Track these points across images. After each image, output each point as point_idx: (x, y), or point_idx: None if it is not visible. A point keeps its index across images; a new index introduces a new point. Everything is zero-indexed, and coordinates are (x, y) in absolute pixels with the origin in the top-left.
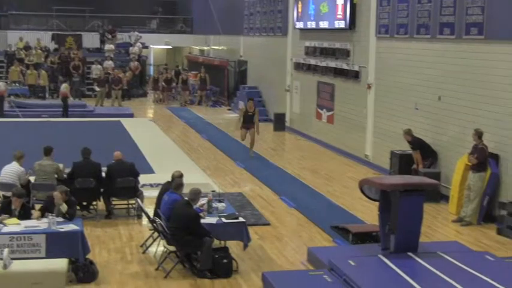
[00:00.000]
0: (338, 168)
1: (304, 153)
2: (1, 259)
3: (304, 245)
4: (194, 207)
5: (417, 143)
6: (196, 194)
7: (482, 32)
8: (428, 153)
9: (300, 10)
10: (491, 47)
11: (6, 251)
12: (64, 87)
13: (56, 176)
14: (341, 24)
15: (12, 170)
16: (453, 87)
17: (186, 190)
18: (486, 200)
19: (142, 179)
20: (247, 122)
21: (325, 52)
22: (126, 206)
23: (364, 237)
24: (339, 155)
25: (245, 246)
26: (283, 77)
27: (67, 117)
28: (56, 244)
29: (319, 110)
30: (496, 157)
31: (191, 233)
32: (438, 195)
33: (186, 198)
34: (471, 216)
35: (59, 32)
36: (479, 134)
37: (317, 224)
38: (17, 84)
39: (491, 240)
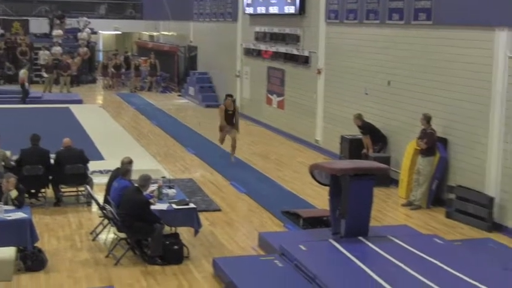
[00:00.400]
0: (288, 153)
1: (255, 138)
2: None
3: (255, 230)
4: (144, 193)
5: (367, 128)
6: (145, 180)
7: (431, 17)
8: (378, 137)
9: None
10: (439, 32)
11: None
12: (23, 73)
13: (2, 163)
14: (291, 9)
15: None
16: (402, 72)
17: (136, 176)
18: (435, 183)
19: (92, 165)
20: (228, 122)
21: (275, 37)
22: (75, 193)
23: (314, 222)
24: (290, 140)
25: (196, 232)
26: (234, 62)
27: (24, 103)
28: (3, 232)
29: (270, 96)
30: (444, 141)
31: (141, 220)
32: (388, 180)
33: (136, 185)
34: (420, 200)
35: (5, 17)
36: (427, 119)
37: (268, 209)
38: None
39: (440, 223)
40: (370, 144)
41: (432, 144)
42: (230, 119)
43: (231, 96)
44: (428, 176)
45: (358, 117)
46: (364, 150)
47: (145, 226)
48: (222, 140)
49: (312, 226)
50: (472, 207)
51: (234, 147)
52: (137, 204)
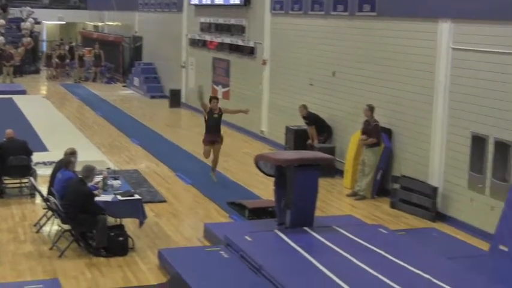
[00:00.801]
0: (234, 144)
1: (200, 129)
2: None
3: (201, 222)
4: (89, 185)
5: (312, 118)
6: (89, 171)
7: (375, 8)
8: (323, 128)
9: None
10: (383, 24)
11: None
12: None
13: None
14: (236, 0)
15: None
16: (347, 63)
17: (80, 168)
18: (380, 174)
19: (36, 157)
20: (213, 130)
21: (221, 28)
22: (18, 185)
23: (260, 213)
24: (235, 131)
25: (141, 223)
26: (179, 53)
27: None
28: None
29: (215, 86)
30: (389, 132)
31: (85, 211)
32: (333, 170)
33: (80, 176)
34: (365, 190)
35: None
36: (371, 109)
37: (213, 201)
38: None
39: (384, 213)
40: (315, 134)
41: (378, 136)
42: (216, 126)
43: (216, 98)
44: (373, 167)
45: (303, 107)
46: (309, 141)
47: (89, 218)
48: (207, 154)
49: (257, 217)
50: (416, 197)
51: (215, 163)
52: (81, 195)
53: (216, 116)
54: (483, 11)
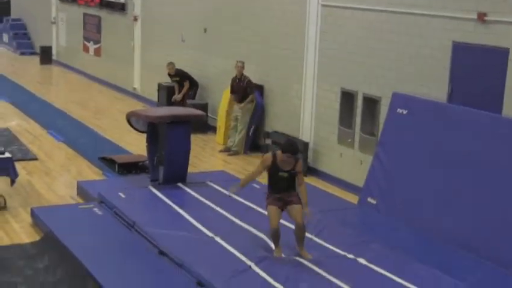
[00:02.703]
0: (106, 102)
1: (72, 86)
2: None
3: (74, 179)
4: None
5: (182, 75)
6: None
7: None
8: (191, 83)
9: None
10: None
11: None
12: None
13: None
14: None
15: None
16: (218, 20)
17: None
18: (252, 130)
19: None
20: (283, 189)
21: None
22: None
23: (130, 167)
24: (108, 88)
25: (12, 182)
26: (49, 8)
27: None
28: None
29: (86, 43)
30: (260, 88)
31: None
32: (206, 127)
33: None
34: (238, 146)
35: None
36: (243, 65)
37: (86, 158)
38: None
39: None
40: (187, 90)
41: (253, 92)
42: (289, 187)
43: (299, 158)
44: (245, 123)
45: (172, 65)
46: (174, 97)
47: None
48: (276, 222)
49: (127, 171)
50: None
51: (301, 240)
52: None
53: (287, 174)
54: None
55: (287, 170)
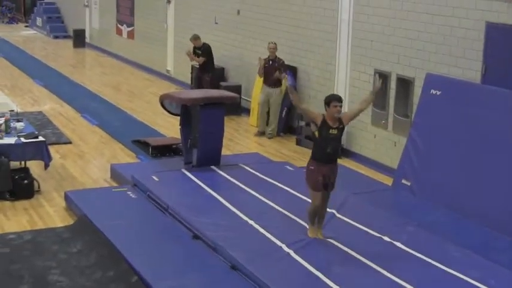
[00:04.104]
0: (140, 84)
1: (106, 69)
2: None
3: (107, 163)
4: None
5: (206, 51)
6: None
7: None
8: (211, 66)
9: None
10: None
11: None
12: None
13: None
14: None
15: None
16: (251, 2)
17: None
18: (285, 111)
19: None
20: (332, 153)
21: None
22: None
23: (163, 150)
24: (141, 70)
25: (46, 165)
26: None
27: None
28: None
29: (120, 26)
30: (294, 69)
31: None
32: (239, 109)
33: None
34: (273, 131)
35: None
36: (275, 46)
37: (120, 141)
38: None
39: (290, 150)
40: (203, 63)
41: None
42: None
43: (339, 100)
44: (278, 105)
45: (198, 37)
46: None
47: None
48: (320, 203)
49: (161, 154)
50: None
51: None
52: None
53: (335, 132)
54: None
55: (336, 126)
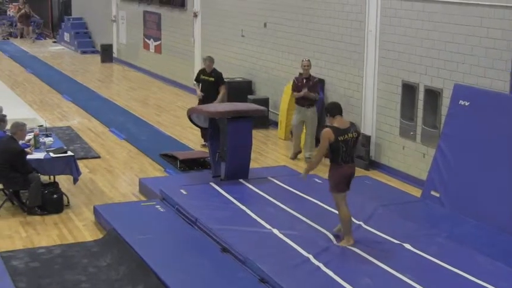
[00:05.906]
0: (167, 98)
1: (133, 84)
2: None
3: (136, 177)
4: (20, 143)
5: (220, 77)
6: (16, 127)
7: None
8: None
9: None
10: None
11: None
12: None
13: None
14: None
15: None
16: (278, 14)
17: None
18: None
19: None
20: (351, 153)
21: None
22: None
23: (191, 164)
24: (168, 84)
25: (75, 180)
26: (109, 7)
27: None
28: None
29: (147, 40)
30: (321, 82)
31: (17, 170)
32: (267, 121)
33: (9, 134)
34: (313, 152)
35: None
36: (309, 64)
37: (148, 155)
38: None
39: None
40: (223, 95)
41: (317, 92)
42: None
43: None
44: (315, 126)
45: (210, 61)
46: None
47: (21, 176)
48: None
49: (189, 168)
50: None
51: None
52: (11, 153)
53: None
54: None
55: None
